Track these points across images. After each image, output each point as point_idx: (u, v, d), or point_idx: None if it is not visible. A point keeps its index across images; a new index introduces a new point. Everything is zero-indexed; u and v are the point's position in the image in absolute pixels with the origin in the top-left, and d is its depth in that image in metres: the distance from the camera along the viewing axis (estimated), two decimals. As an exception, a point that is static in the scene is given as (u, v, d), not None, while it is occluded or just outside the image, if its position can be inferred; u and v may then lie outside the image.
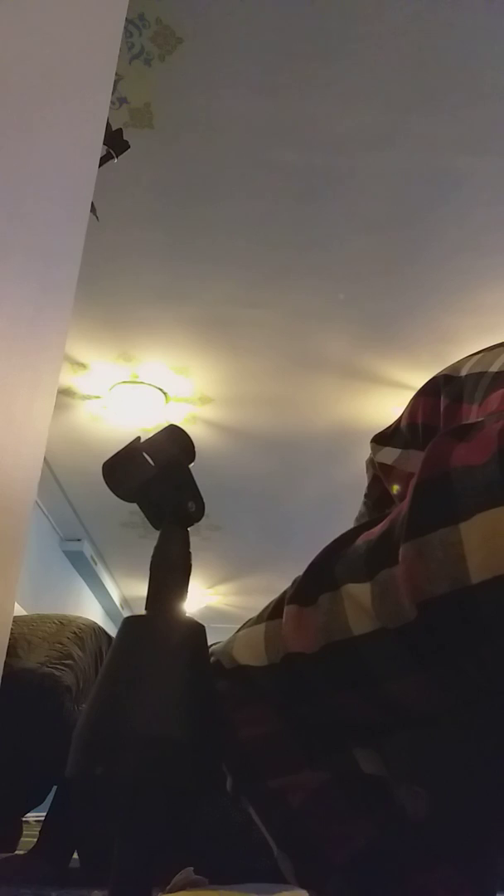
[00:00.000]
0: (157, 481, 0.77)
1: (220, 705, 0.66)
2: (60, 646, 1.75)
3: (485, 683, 0.52)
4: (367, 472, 0.92)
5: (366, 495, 0.92)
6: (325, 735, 0.62)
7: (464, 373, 0.74)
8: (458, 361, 0.81)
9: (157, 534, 0.80)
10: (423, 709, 0.57)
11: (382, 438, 0.88)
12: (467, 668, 0.52)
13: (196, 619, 0.76)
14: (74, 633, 1.82)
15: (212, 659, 0.67)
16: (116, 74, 2.29)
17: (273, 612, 0.68)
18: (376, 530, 0.59)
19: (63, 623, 1.87)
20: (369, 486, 0.91)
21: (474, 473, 0.48)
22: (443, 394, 0.72)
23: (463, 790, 0.68)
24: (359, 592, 0.57)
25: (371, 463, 0.89)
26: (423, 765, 0.66)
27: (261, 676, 0.65)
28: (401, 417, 0.86)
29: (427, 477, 0.52)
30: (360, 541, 0.60)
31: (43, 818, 1.72)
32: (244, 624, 0.72)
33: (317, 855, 0.56)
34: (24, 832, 1.98)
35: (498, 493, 0.46)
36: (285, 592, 0.68)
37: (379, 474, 0.87)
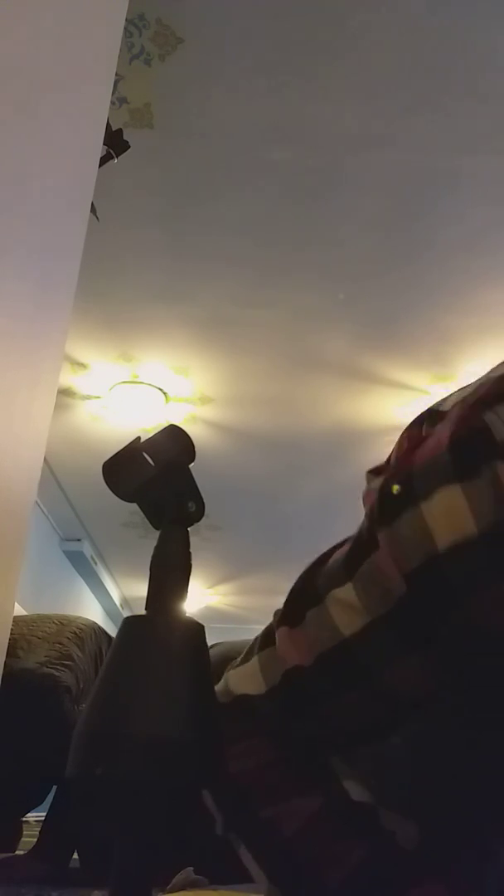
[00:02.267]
0: (157, 481, 0.77)
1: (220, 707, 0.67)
2: (60, 646, 1.75)
3: (461, 652, 0.56)
4: (364, 505, 0.93)
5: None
6: (316, 761, 0.64)
7: (448, 406, 0.76)
8: (447, 395, 0.84)
9: (157, 534, 0.80)
10: (421, 693, 0.60)
11: (375, 471, 0.91)
12: (445, 636, 0.56)
13: (196, 619, 0.76)
14: (74, 633, 1.82)
15: None
16: (116, 74, 2.29)
17: (263, 642, 0.70)
18: (349, 541, 0.64)
19: (63, 623, 1.87)
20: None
21: (432, 462, 0.57)
22: (425, 424, 0.75)
23: (451, 811, 0.68)
24: (344, 594, 0.61)
25: (366, 496, 0.91)
26: (412, 791, 0.67)
27: (261, 702, 0.66)
28: (391, 452, 0.88)
29: (393, 474, 0.60)
30: (336, 554, 0.65)
31: (43, 818, 1.72)
32: (230, 666, 0.73)
33: (310, 880, 0.58)
34: (24, 832, 1.98)
35: (451, 474, 0.54)
36: (271, 624, 0.70)
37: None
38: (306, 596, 0.65)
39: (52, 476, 5.10)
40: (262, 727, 0.66)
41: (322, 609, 0.63)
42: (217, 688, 0.71)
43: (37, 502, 5.11)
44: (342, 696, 0.61)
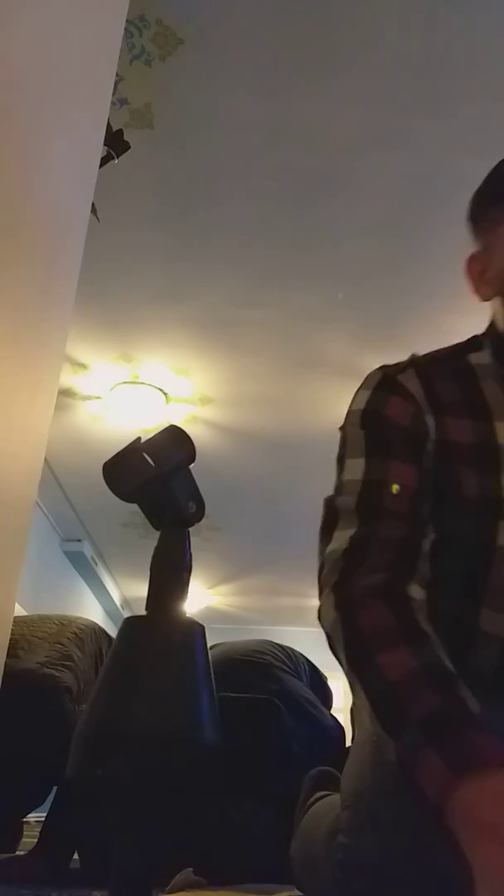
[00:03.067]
0: (158, 482, 0.77)
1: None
2: (60, 646, 1.75)
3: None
4: None
5: None
6: (422, 632, 0.78)
7: None
8: None
9: (157, 534, 0.80)
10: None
11: None
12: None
13: (196, 619, 0.76)
14: (75, 633, 1.82)
15: (331, 575, 0.86)
16: (117, 75, 2.29)
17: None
18: None
19: (63, 623, 1.87)
20: None
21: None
22: None
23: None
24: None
25: None
26: None
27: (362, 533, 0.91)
28: None
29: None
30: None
31: (43, 819, 1.72)
32: None
33: (400, 711, 0.71)
34: (25, 832, 1.98)
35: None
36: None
37: None
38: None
39: (53, 476, 5.10)
40: (377, 575, 0.83)
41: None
42: (328, 553, 0.90)
43: (37, 502, 5.10)
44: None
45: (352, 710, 1.00)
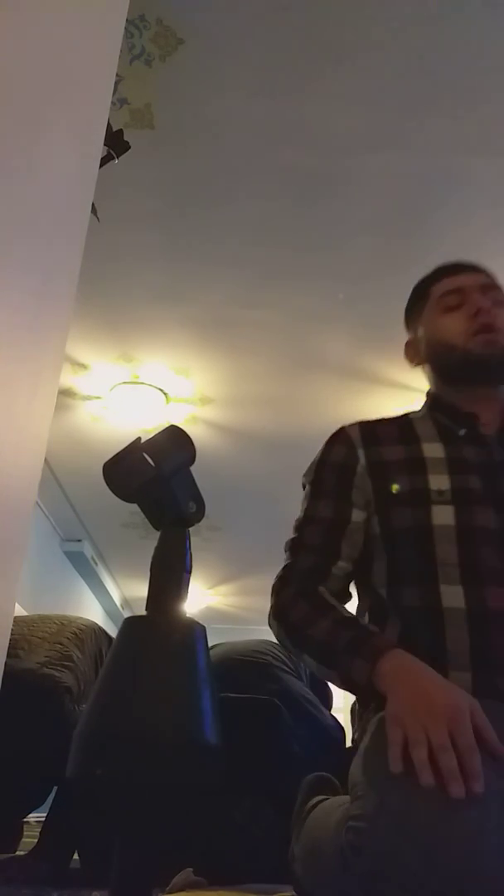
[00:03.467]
0: (158, 482, 0.77)
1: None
2: (60, 646, 1.75)
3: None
4: None
5: None
6: (329, 603, 1.16)
7: None
8: None
9: (157, 534, 0.80)
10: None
11: None
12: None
13: (196, 619, 0.76)
14: (75, 633, 1.82)
15: (274, 590, 1.23)
16: (117, 75, 2.29)
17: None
18: None
19: (63, 624, 1.87)
20: None
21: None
22: None
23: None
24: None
25: None
26: None
27: (287, 563, 1.29)
28: None
29: None
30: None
31: (43, 819, 1.72)
32: None
33: (330, 652, 1.08)
34: (25, 832, 1.98)
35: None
36: None
37: None
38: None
39: (53, 476, 5.10)
40: (295, 584, 1.21)
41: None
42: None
43: (37, 503, 5.11)
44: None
45: (352, 709, 1.18)
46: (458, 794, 0.80)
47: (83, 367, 3.93)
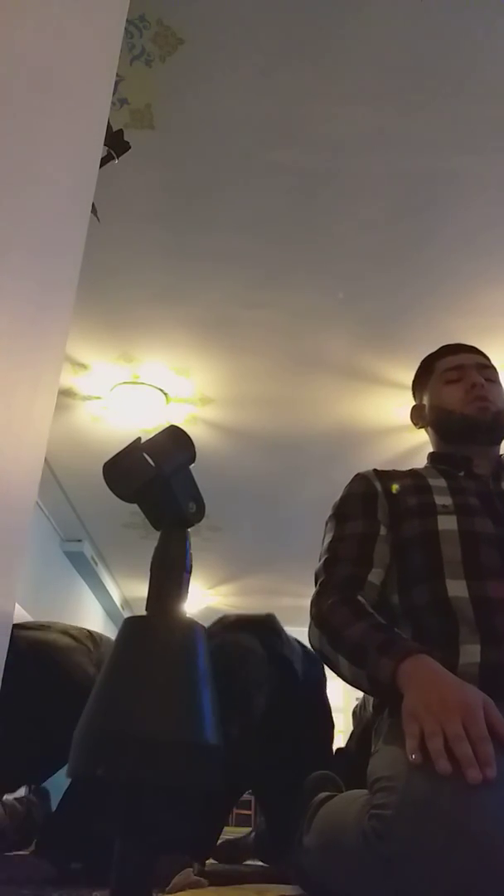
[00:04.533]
0: (158, 482, 0.77)
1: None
2: (79, 629, 1.83)
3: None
4: None
5: None
6: (367, 610, 1.27)
7: None
8: None
9: (157, 534, 0.80)
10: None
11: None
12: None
13: (196, 619, 0.76)
14: (90, 632, 1.88)
15: (314, 598, 1.33)
16: (117, 75, 2.29)
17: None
18: None
19: (75, 626, 1.94)
20: None
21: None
22: None
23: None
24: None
25: None
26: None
27: (323, 570, 1.41)
28: None
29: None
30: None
31: (19, 796, 1.75)
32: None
33: (363, 651, 1.15)
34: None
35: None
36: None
37: None
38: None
39: (53, 477, 5.10)
40: (336, 592, 1.31)
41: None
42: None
43: (37, 503, 5.11)
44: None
45: (353, 712, 1.34)
46: (476, 778, 0.87)
47: (83, 367, 3.93)
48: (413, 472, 1.51)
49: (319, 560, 1.39)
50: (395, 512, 1.39)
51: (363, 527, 1.39)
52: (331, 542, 1.41)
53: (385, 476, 1.49)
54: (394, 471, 1.53)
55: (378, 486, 1.45)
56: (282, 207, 2.88)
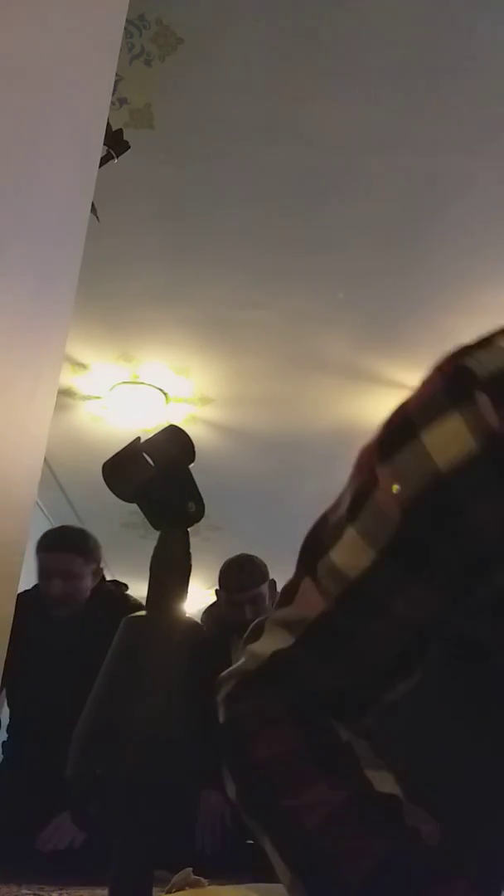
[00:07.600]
0: (157, 482, 0.77)
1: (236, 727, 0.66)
2: None
3: (464, 570, 0.65)
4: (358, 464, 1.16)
5: None
6: (340, 743, 0.64)
7: None
8: None
9: (157, 534, 0.80)
10: (433, 618, 0.67)
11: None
12: (446, 554, 0.64)
13: (196, 619, 0.76)
14: None
15: (227, 686, 0.70)
16: (117, 75, 2.29)
17: (281, 602, 0.74)
18: (345, 495, 0.74)
19: None
20: None
21: (428, 399, 0.65)
22: None
23: (472, 803, 0.75)
24: (348, 539, 0.68)
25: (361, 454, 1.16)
26: (431, 776, 0.72)
27: (291, 653, 0.69)
28: None
29: (392, 419, 0.70)
30: (331, 515, 0.75)
31: None
32: (244, 641, 0.75)
33: (331, 874, 0.56)
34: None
35: (447, 403, 0.63)
36: (285, 589, 0.76)
37: None
38: (315, 550, 0.73)
39: (53, 476, 5.10)
40: (289, 695, 0.67)
41: (326, 559, 0.70)
42: (237, 667, 0.72)
43: (37, 503, 5.11)
44: (368, 629, 0.67)
45: None
46: None
47: (83, 367, 3.93)
48: None
49: None
50: None
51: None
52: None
53: None
54: None
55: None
56: (282, 209, 2.88)
